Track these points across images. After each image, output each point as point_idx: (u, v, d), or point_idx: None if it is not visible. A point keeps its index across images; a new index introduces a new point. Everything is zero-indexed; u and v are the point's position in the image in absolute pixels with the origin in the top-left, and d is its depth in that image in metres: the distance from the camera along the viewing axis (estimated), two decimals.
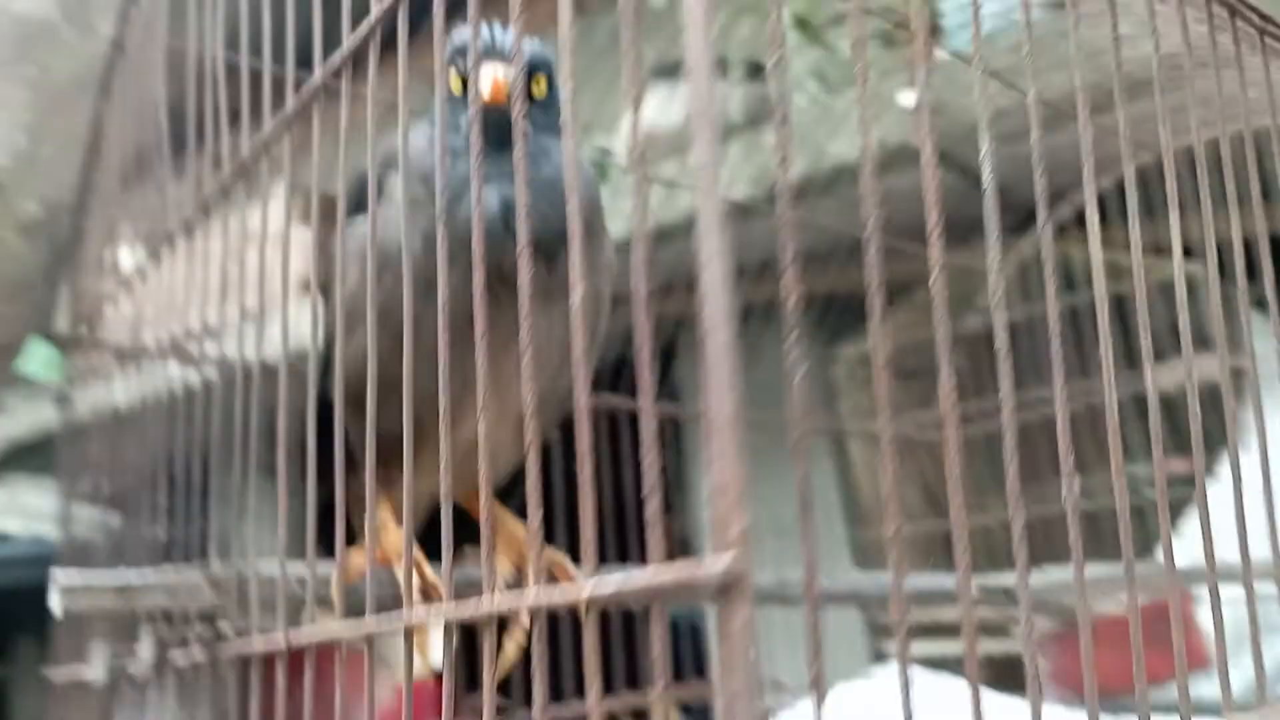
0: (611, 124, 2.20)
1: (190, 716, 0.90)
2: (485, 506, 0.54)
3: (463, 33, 0.90)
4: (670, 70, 1.84)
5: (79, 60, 1.11)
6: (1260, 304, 0.72)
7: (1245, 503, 0.61)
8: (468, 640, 0.61)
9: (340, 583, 0.85)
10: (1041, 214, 0.55)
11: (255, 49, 0.83)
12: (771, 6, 0.41)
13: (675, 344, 2.33)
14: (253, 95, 0.85)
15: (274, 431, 0.81)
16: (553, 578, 0.95)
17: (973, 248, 1.83)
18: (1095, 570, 1.09)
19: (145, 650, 0.86)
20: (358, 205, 0.89)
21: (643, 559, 0.39)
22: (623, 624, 1.80)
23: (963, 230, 1.85)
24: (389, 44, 0.67)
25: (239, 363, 0.85)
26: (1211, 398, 0.62)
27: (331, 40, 0.76)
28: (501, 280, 0.85)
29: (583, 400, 0.43)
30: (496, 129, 0.97)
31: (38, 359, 1.31)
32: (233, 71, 0.89)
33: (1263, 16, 0.71)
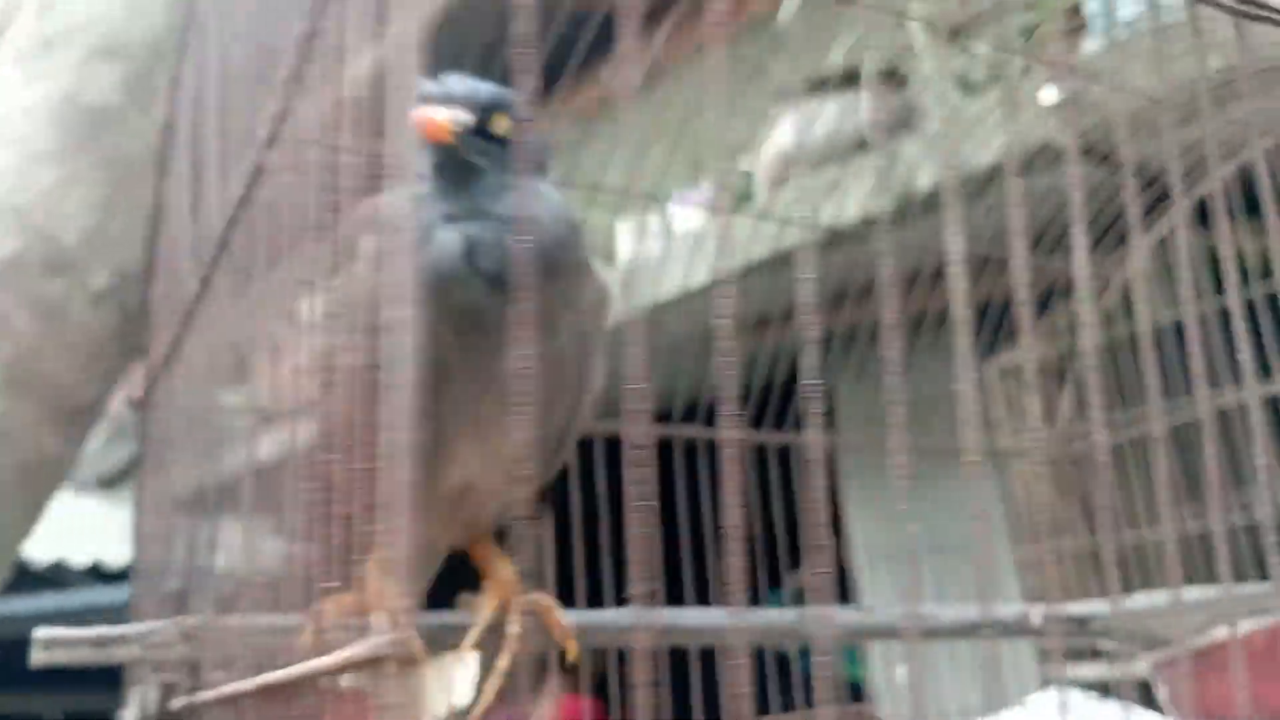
0: (750, 148, 2.19)
1: None
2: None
3: (429, 83, 0.90)
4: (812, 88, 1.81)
5: (144, 139, 1.18)
6: None
7: None
8: None
9: (311, 631, 0.86)
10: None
11: None
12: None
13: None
14: None
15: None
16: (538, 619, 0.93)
17: (1126, 242, 1.73)
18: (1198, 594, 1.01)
19: (138, 700, 0.87)
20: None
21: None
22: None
23: (1113, 223, 1.74)
24: None
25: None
26: None
27: None
28: (471, 322, 0.86)
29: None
30: (457, 169, 0.96)
31: None
32: None
33: None
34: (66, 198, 1.14)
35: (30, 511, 1.10)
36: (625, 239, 2.53)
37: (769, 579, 1.63)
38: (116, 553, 3.48)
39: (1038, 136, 1.74)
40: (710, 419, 1.58)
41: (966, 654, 1.78)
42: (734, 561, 0.41)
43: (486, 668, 0.94)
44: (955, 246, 0.40)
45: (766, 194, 2.19)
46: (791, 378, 1.57)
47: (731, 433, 0.40)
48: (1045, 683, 2.02)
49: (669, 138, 1.36)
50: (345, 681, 0.94)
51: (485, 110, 0.94)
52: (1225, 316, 1.84)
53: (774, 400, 1.61)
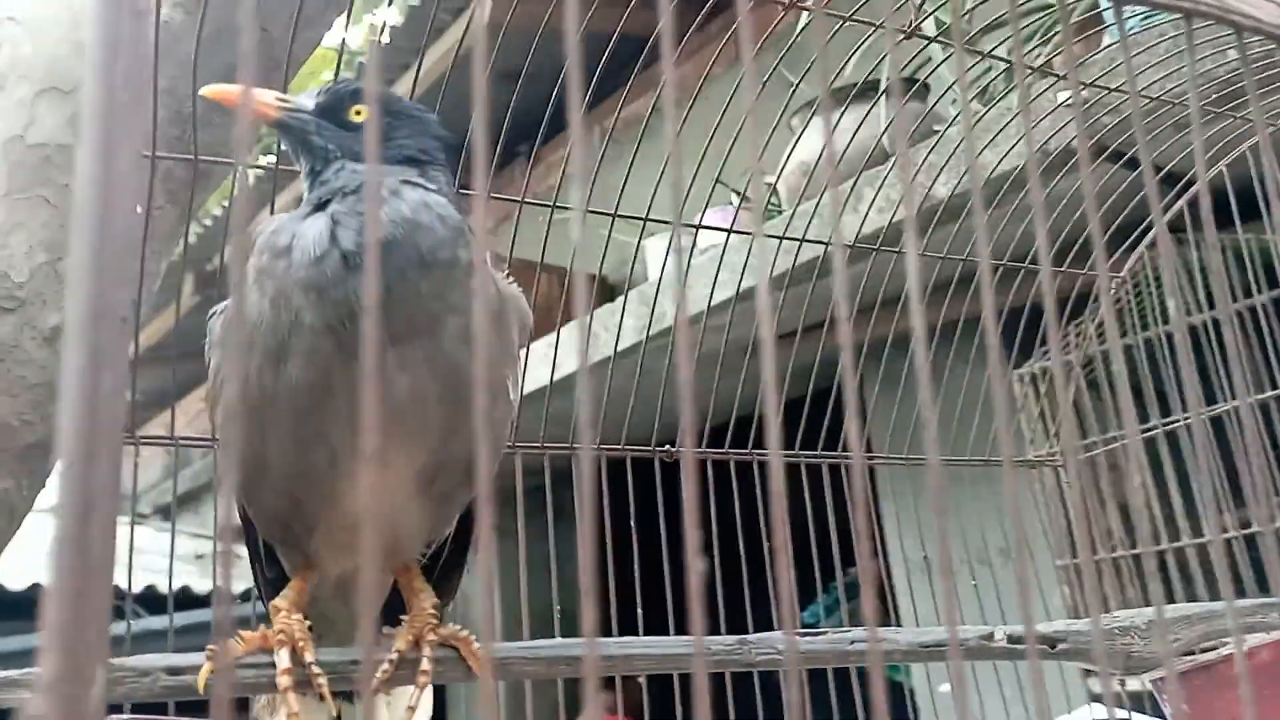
0: (773, 162, 2.19)
1: None
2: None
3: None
4: (834, 99, 1.81)
5: None
6: None
7: None
8: None
9: (207, 671, 0.82)
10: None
11: None
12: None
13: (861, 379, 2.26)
14: None
15: None
16: (455, 651, 0.91)
17: (1181, 245, 1.71)
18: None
19: None
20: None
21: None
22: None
23: (1137, 224, 1.72)
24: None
25: None
26: None
27: None
28: (341, 325, 0.81)
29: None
30: (312, 156, 0.92)
31: None
32: None
33: None
34: (13, 237, 1.15)
35: None
36: (654, 257, 2.53)
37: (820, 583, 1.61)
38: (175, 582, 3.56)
39: (1057, 141, 1.73)
40: (742, 436, 1.58)
41: (1011, 668, 1.75)
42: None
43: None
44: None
45: (790, 207, 2.18)
46: (823, 391, 1.56)
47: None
48: (1095, 698, 1.99)
49: (696, 155, 1.36)
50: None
51: (338, 97, 0.92)
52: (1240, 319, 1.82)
53: (805, 413, 1.60)
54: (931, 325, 1.70)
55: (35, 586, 3.70)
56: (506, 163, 4.40)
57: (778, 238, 1.53)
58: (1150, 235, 1.83)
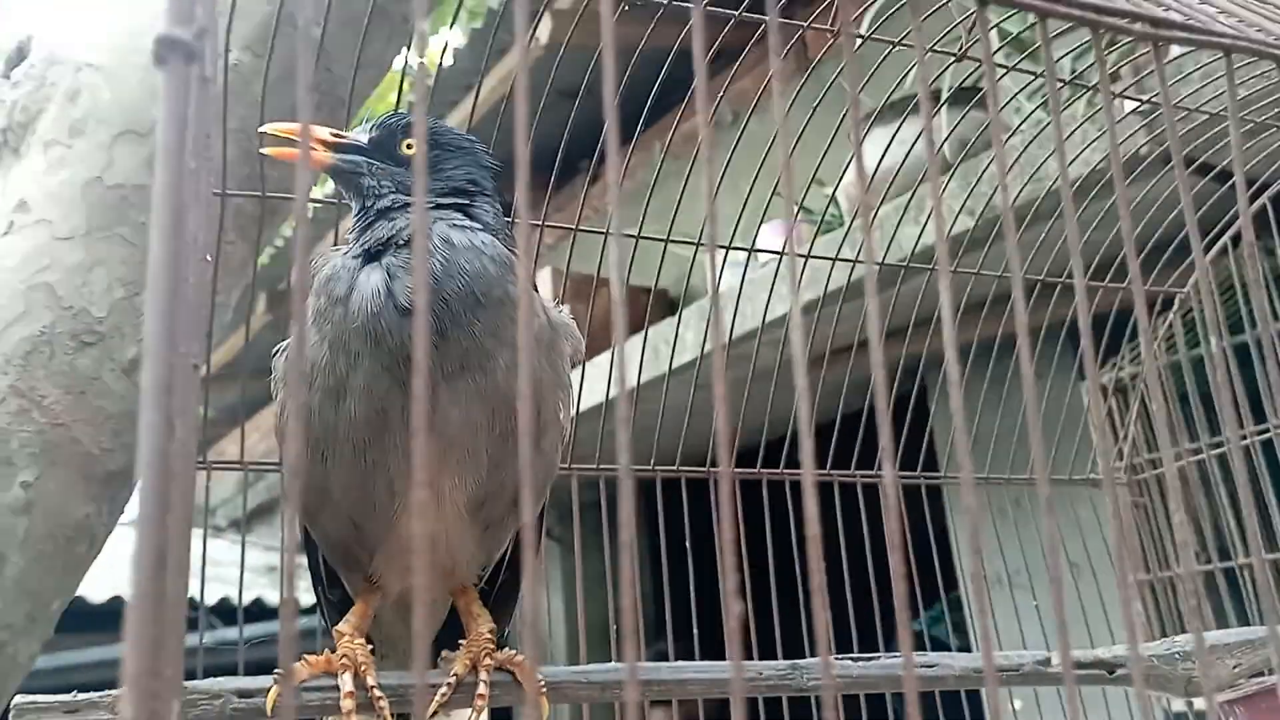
0: (833, 173, 2.18)
1: None
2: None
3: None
4: (894, 111, 1.80)
5: None
6: None
7: None
8: None
9: (275, 695, 0.85)
10: None
11: None
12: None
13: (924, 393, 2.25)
14: None
15: None
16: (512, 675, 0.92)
17: (1231, 253, 1.67)
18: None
19: None
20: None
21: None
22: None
23: (1204, 234, 1.68)
24: None
25: None
26: None
27: None
28: (397, 365, 0.84)
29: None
30: (362, 195, 0.94)
31: None
32: None
33: None
34: (94, 274, 1.19)
35: (68, 576, 1.14)
36: (710, 275, 2.53)
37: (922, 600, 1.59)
38: (247, 594, 3.63)
39: (1126, 147, 1.70)
40: (793, 454, 1.57)
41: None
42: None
43: None
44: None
45: (850, 219, 2.17)
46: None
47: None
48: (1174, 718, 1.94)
49: (752, 171, 1.36)
50: None
51: (389, 131, 0.94)
52: None
53: (860, 431, 1.59)
54: (991, 337, 1.68)
55: (116, 599, 3.79)
56: (568, 176, 4.43)
57: (804, 257, 1.52)
58: (1221, 241, 1.78)
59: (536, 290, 0.98)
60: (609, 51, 0.39)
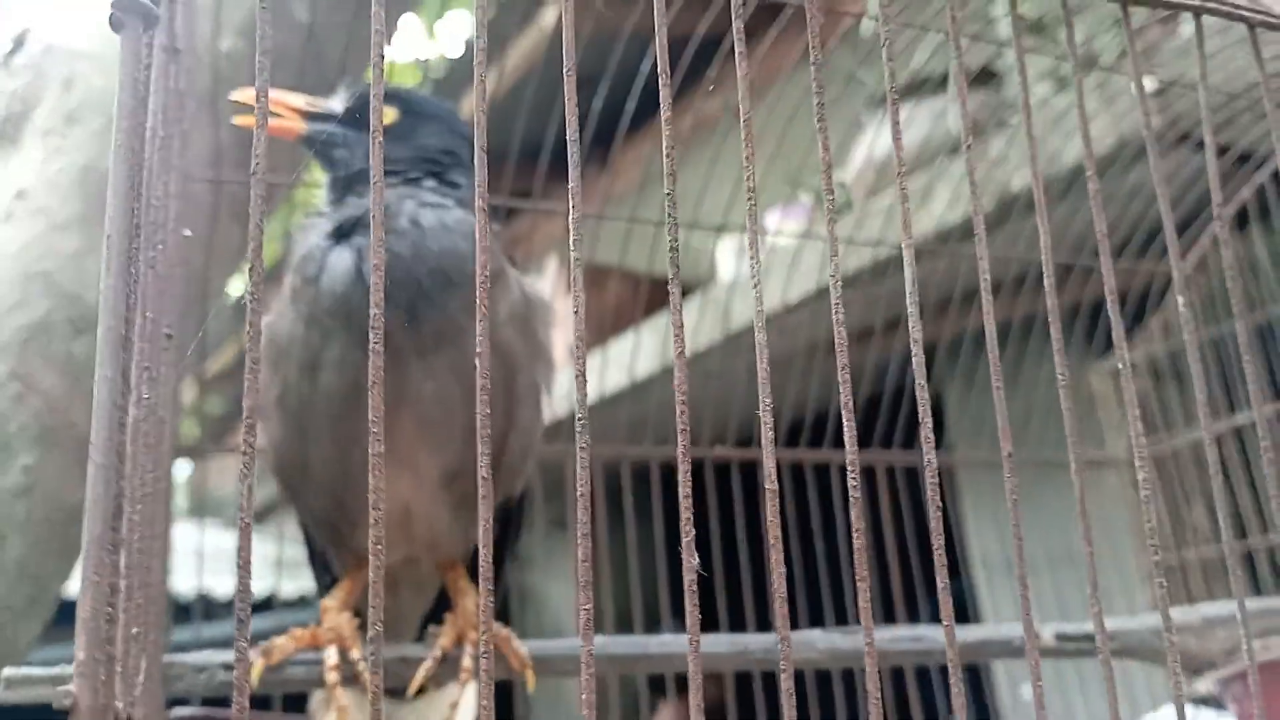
0: (841, 158, 2.17)
1: None
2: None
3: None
4: (902, 95, 1.79)
5: None
6: None
7: None
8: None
9: (261, 666, 0.87)
10: None
11: None
12: None
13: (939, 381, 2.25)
14: None
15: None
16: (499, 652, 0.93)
17: (1244, 234, 1.67)
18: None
19: None
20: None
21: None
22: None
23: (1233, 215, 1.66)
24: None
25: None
26: None
27: None
28: (368, 342, 0.86)
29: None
30: (333, 165, 0.93)
31: None
32: None
33: None
34: (88, 260, 1.19)
35: (65, 559, 1.14)
36: (726, 259, 2.54)
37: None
38: (258, 585, 3.62)
39: (1133, 127, 1.69)
40: (817, 436, 1.57)
41: (1094, 671, 1.72)
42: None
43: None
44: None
45: (861, 204, 2.17)
46: (895, 391, 1.55)
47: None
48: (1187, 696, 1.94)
49: (766, 155, 1.36)
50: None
51: (364, 100, 0.91)
52: None
53: (884, 414, 1.59)
54: (1008, 319, 1.68)
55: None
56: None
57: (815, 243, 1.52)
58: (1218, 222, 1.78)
59: (514, 265, 0.97)
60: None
